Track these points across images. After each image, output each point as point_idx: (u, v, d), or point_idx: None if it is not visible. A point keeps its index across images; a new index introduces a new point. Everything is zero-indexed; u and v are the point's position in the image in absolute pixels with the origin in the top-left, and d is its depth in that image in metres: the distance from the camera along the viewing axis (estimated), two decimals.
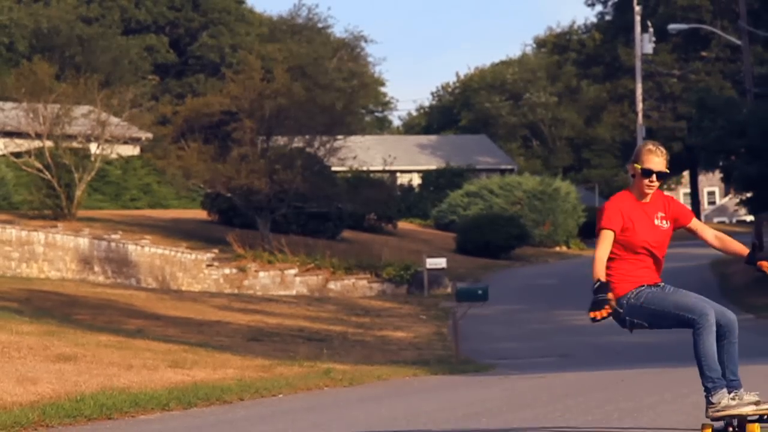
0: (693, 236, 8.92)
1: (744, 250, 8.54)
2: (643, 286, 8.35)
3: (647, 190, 8.46)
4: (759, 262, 8.48)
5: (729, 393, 8.15)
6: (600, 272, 8.23)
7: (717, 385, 8.19)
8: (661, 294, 8.34)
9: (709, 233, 8.71)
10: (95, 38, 70.56)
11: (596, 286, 8.11)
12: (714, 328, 8.20)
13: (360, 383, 15.75)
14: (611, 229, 8.39)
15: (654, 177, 8.46)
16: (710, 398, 8.15)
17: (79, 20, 73.06)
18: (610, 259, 8.46)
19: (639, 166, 8.45)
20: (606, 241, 8.41)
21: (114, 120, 44.10)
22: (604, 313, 8.00)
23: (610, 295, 8.06)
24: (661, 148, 8.61)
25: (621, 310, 8.31)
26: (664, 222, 8.52)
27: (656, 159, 8.52)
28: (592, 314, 8.01)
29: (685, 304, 8.25)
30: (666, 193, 9.26)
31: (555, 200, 52.68)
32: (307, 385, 14.89)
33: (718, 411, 8.11)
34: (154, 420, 11.44)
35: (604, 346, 22.64)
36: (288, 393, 14.10)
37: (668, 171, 8.57)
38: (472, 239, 46.82)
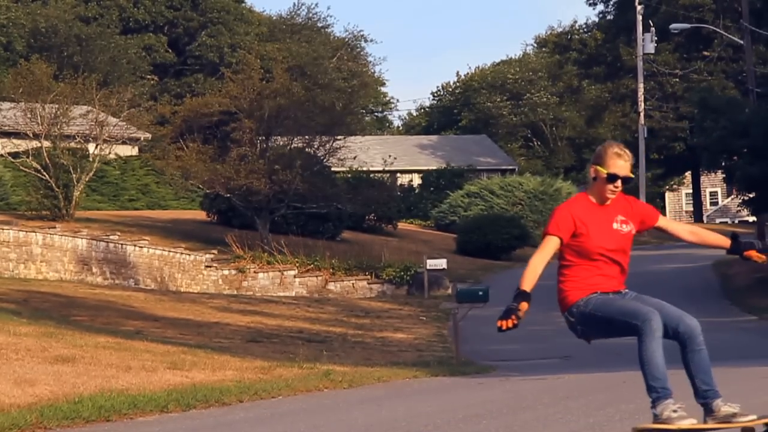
0: (666, 236, 8.51)
1: (724, 241, 8.19)
2: (596, 293, 7.97)
3: (609, 195, 7.95)
4: (746, 252, 8.15)
5: (674, 404, 7.76)
6: (528, 280, 7.86)
7: (661, 395, 7.86)
8: (609, 300, 7.95)
9: (682, 229, 8.34)
10: (93, 38, 70.51)
11: (515, 293, 7.75)
12: (658, 334, 7.85)
13: (360, 385, 15.67)
14: (557, 236, 7.90)
15: (619, 182, 7.93)
16: (653, 409, 7.83)
17: (77, 20, 73.03)
18: (564, 266, 8.11)
19: (603, 170, 7.92)
20: (547, 247, 7.94)
21: (112, 120, 44.03)
22: (510, 323, 7.59)
23: (522, 305, 7.68)
24: (627, 152, 8.02)
25: (572, 320, 8.06)
26: (624, 226, 8.00)
27: (621, 163, 7.93)
28: (498, 323, 7.63)
29: (629, 310, 7.89)
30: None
31: (556, 201, 52.54)
32: (307, 386, 14.80)
33: (658, 422, 7.75)
34: (153, 422, 11.36)
35: (606, 347, 22.46)
36: (287, 395, 14.01)
37: (633, 176, 8.03)
38: (473, 240, 46.75)
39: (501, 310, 7.69)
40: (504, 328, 7.59)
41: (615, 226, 7.94)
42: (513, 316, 7.60)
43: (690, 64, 71.35)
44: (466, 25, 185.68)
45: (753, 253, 8.14)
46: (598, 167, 7.92)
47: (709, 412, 7.93)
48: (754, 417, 7.74)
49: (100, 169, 44.69)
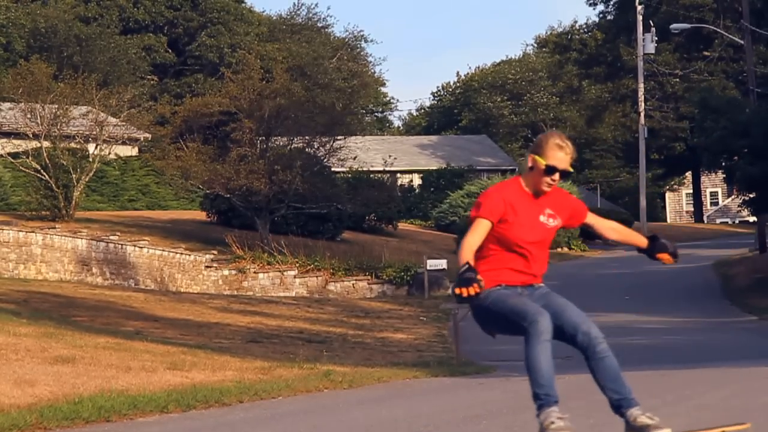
0: (593, 232, 8.27)
1: (643, 241, 7.99)
2: (500, 286, 7.59)
3: (544, 188, 7.58)
4: (658, 254, 7.98)
5: (557, 413, 7.47)
6: (468, 256, 7.34)
7: (544, 402, 7.57)
8: (507, 296, 7.56)
9: (605, 226, 8.10)
10: (93, 38, 70.52)
11: (464, 267, 7.26)
12: (544, 338, 7.54)
13: (360, 385, 15.64)
14: (488, 220, 7.47)
15: (557, 176, 7.55)
16: (537, 417, 7.55)
17: (77, 20, 73.06)
18: (477, 253, 7.57)
19: (542, 161, 7.52)
20: (479, 230, 7.46)
21: (112, 120, 44.02)
22: (472, 291, 7.16)
23: (479, 276, 7.24)
24: (569, 144, 7.59)
25: (474, 311, 7.67)
26: (551, 220, 7.73)
27: (561, 155, 7.53)
28: (458, 290, 7.19)
29: (520, 310, 7.51)
30: (571, 190, 8.82)
31: None
32: (307, 387, 14.77)
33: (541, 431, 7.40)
34: (153, 422, 11.34)
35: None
36: (287, 395, 13.99)
37: (572, 171, 7.65)
38: None
39: (457, 278, 7.26)
40: (465, 295, 7.19)
41: (542, 218, 7.68)
42: (475, 285, 7.20)
43: (690, 64, 71.36)
44: (466, 25, 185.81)
45: (664, 256, 7.99)
46: (537, 157, 7.55)
47: (625, 423, 7.58)
48: (669, 430, 7.41)
49: (99, 170, 44.68)
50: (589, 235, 55.24)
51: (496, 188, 7.65)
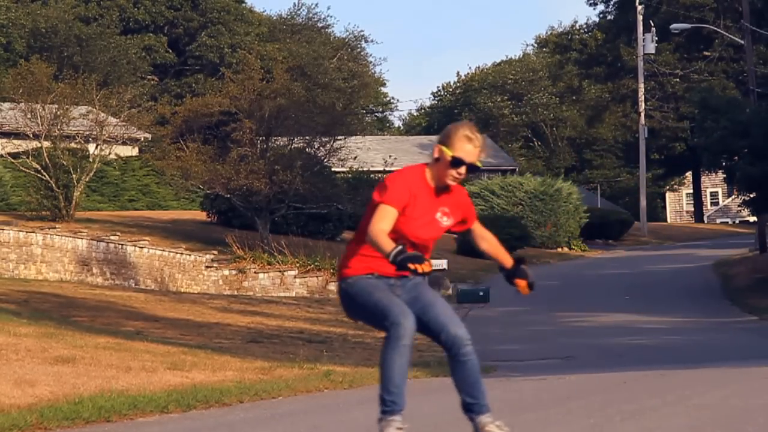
0: (470, 239, 7.89)
1: (508, 261, 7.69)
2: (372, 275, 7.26)
3: (449, 181, 7.24)
4: (516, 279, 7.71)
5: (399, 422, 7.32)
6: (391, 243, 6.94)
7: (388, 409, 7.33)
8: (375, 288, 7.23)
9: (481, 235, 7.73)
10: (93, 38, 70.56)
11: (399, 249, 6.89)
12: (404, 342, 7.13)
13: (360, 385, 15.63)
14: (395, 208, 7.09)
15: (463, 169, 7.20)
16: (379, 420, 7.38)
17: (77, 20, 73.09)
18: (360, 233, 7.30)
19: (449, 152, 7.20)
20: (389, 217, 7.06)
21: (112, 120, 44.03)
22: (427, 267, 6.88)
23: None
24: (479, 136, 7.28)
25: (340, 294, 7.38)
26: (446, 218, 7.37)
27: (470, 148, 7.20)
28: (413, 266, 6.84)
29: (384, 307, 7.17)
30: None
31: (557, 201, 52.59)
32: (307, 387, 14.76)
33: None
34: (153, 422, 11.34)
35: (607, 348, 22.53)
36: (288, 395, 13.98)
37: (480, 165, 7.29)
38: None
39: (401, 258, 6.91)
40: (420, 271, 6.88)
41: (437, 216, 7.33)
42: (426, 262, 6.90)
43: (690, 64, 71.41)
44: (466, 25, 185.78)
45: (522, 282, 7.71)
46: (444, 148, 7.23)
47: (474, 427, 7.45)
48: None
49: (100, 170, 44.69)
50: (590, 235, 55.25)
51: (404, 176, 7.31)
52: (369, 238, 7.07)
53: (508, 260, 7.72)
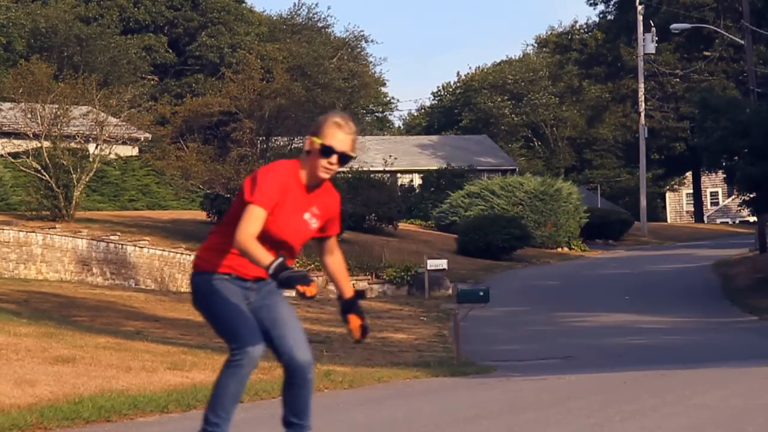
0: (319, 251, 7.29)
1: (348, 291, 7.22)
2: (229, 275, 6.87)
3: (322, 174, 6.75)
4: (348, 314, 7.21)
5: None
6: (264, 252, 6.55)
7: (211, 430, 7.04)
8: (231, 294, 6.83)
9: (331, 251, 7.21)
10: (93, 38, 70.53)
11: (278, 263, 6.50)
12: (246, 371, 6.90)
13: (360, 385, 15.64)
14: (265, 209, 6.65)
15: (335, 158, 6.74)
16: None
17: (78, 20, 73.07)
18: (223, 227, 6.88)
19: (319, 141, 6.78)
20: (258, 221, 6.61)
21: (112, 120, 44.00)
22: (313, 290, 6.48)
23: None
24: (351, 125, 6.83)
25: (192, 288, 6.99)
26: (314, 220, 6.91)
27: (341, 136, 6.76)
28: (302, 288, 6.47)
29: (235, 326, 6.81)
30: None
31: (557, 201, 52.58)
32: None
33: None
34: (153, 422, 11.34)
35: (607, 348, 22.54)
36: None
37: (354, 155, 6.83)
38: (473, 240, 46.70)
39: (286, 277, 6.56)
40: (309, 295, 6.53)
41: (306, 216, 6.89)
42: (312, 283, 6.51)
43: (691, 64, 71.40)
44: (466, 25, 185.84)
45: (354, 320, 7.20)
46: (314, 138, 6.81)
47: None
48: None
49: (100, 170, 44.66)
50: (590, 235, 55.22)
51: (276, 171, 6.80)
52: (238, 244, 6.61)
53: (348, 289, 7.24)
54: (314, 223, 6.90)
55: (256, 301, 7.05)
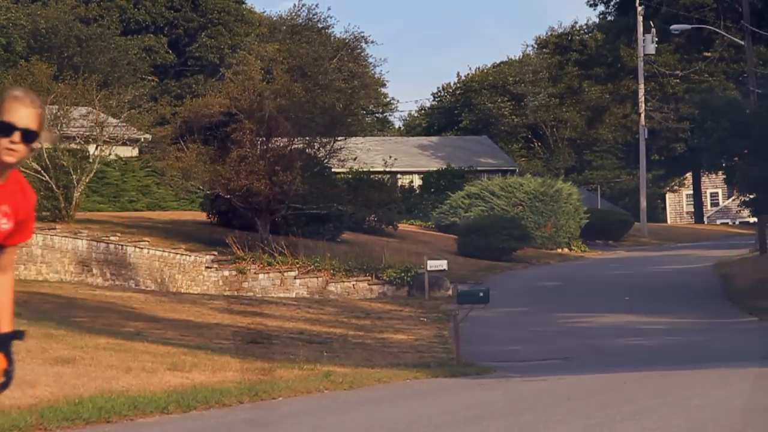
0: None
1: (5, 326, 5.91)
2: None
3: (6, 157, 5.37)
4: None
5: None
6: None
7: None
8: None
9: (1, 273, 5.85)
10: (93, 39, 70.53)
11: None
12: None
13: (360, 386, 15.64)
14: None
15: (17, 136, 5.40)
16: None
17: (78, 20, 73.06)
18: None
19: None
20: None
21: (112, 121, 43.99)
22: (1, 363, 5.51)
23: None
24: (35, 99, 5.52)
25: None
26: (5, 221, 5.56)
27: (23, 110, 5.42)
28: None
29: None
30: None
31: (557, 202, 52.58)
32: (307, 388, 14.76)
33: None
34: (153, 423, 11.34)
35: (607, 349, 22.53)
36: (288, 396, 13.98)
37: (38, 132, 5.46)
38: (473, 241, 46.70)
39: None
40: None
41: None
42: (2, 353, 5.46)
43: (691, 65, 71.39)
44: (466, 25, 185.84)
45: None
46: None
47: None
48: None
49: (100, 170, 44.64)
50: (590, 236, 55.21)
51: None
52: None
53: (6, 324, 5.92)
54: (5, 225, 5.57)
55: None
